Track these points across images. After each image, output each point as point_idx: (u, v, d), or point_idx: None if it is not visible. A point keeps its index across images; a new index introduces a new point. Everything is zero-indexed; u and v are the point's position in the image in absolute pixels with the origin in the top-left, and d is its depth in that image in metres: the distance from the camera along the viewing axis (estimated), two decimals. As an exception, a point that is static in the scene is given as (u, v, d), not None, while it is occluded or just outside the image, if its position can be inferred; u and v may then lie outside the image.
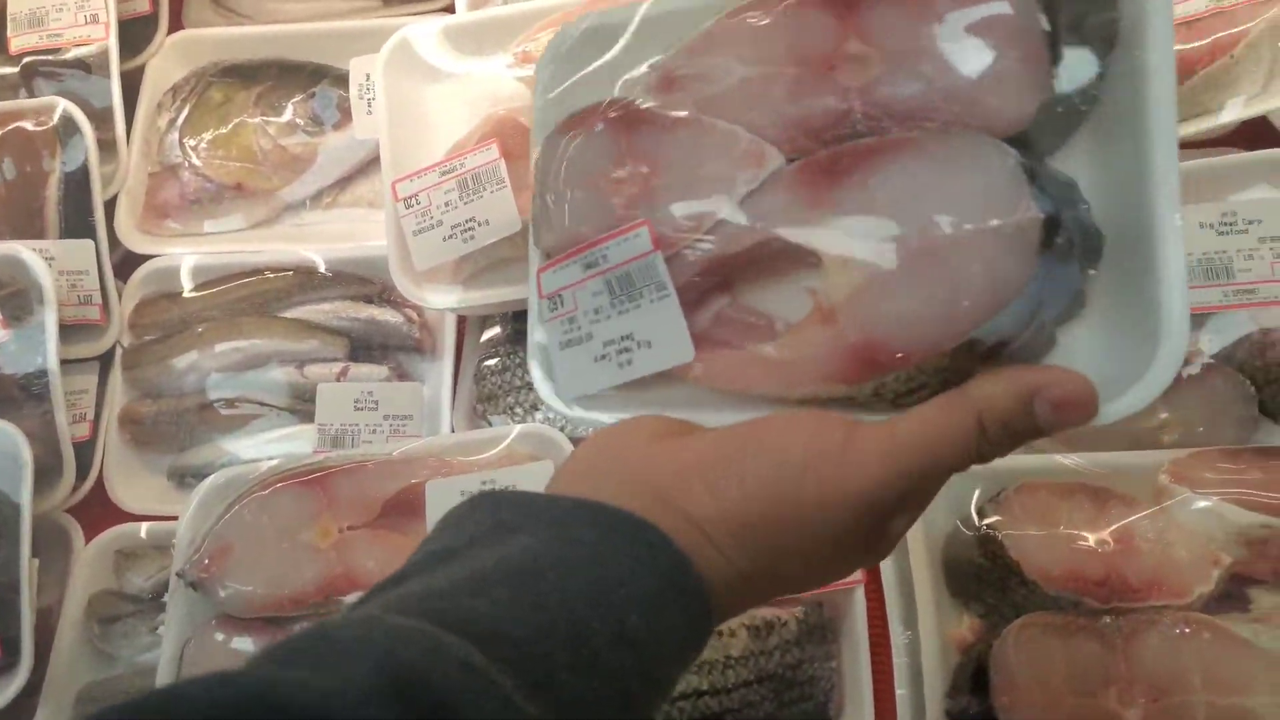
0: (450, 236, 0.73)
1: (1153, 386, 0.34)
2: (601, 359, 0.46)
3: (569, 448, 0.71)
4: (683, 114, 0.44)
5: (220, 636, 0.68)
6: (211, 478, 0.75)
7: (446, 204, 0.73)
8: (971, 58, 0.38)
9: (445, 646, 0.28)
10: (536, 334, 0.48)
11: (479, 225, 0.72)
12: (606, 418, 0.46)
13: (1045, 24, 0.37)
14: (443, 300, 0.75)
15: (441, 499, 0.69)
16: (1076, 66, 0.37)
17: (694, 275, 0.43)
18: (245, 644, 0.67)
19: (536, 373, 0.49)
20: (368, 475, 0.71)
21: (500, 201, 0.72)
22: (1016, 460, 0.66)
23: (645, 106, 0.45)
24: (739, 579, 0.34)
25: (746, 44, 0.43)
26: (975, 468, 0.37)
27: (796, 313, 0.42)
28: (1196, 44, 0.66)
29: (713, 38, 0.44)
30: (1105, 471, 0.63)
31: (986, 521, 0.62)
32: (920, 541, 0.64)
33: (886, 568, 0.69)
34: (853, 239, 0.39)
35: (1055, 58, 0.37)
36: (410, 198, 0.73)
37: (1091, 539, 0.60)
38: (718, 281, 0.44)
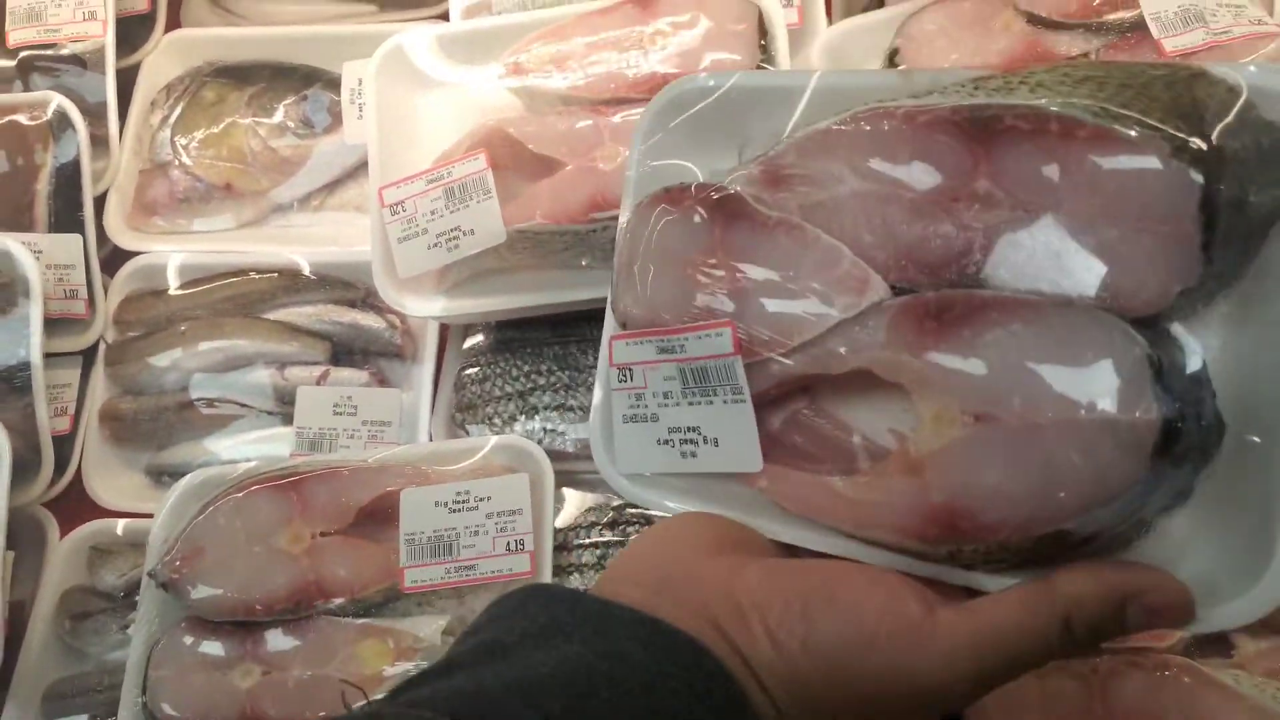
0: (435, 245, 0.72)
1: (1262, 602, 0.31)
2: (665, 443, 0.45)
3: (545, 462, 0.71)
4: (786, 217, 0.41)
5: (189, 639, 0.68)
6: (187, 478, 0.75)
7: (432, 212, 0.72)
8: (1113, 226, 0.34)
9: None
10: (598, 396, 0.47)
11: (464, 235, 0.72)
12: (658, 498, 0.45)
13: (1200, 193, 0.32)
14: (425, 308, 0.74)
15: (416, 508, 0.69)
16: (1231, 254, 0.33)
17: (772, 385, 0.42)
18: (214, 647, 0.67)
19: (596, 436, 0.47)
20: (342, 482, 0.70)
21: (486, 212, 0.71)
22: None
23: (748, 198, 0.42)
24: None
25: (866, 154, 0.39)
26: None
27: (878, 432, 0.39)
28: (1190, 75, 0.65)
29: (830, 139, 0.41)
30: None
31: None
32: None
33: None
34: (952, 395, 0.36)
35: (1208, 241, 0.32)
36: (396, 204, 0.72)
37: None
38: (798, 390, 0.42)
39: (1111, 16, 0.70)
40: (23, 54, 0.91)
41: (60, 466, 0.82)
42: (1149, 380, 0.32)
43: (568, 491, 0.74)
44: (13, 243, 0.82)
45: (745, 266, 0.42)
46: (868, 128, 0.39)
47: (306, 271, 0.84)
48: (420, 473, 0.71)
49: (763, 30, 0.70)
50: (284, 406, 0.82)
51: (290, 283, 0.83)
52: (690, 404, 0.43)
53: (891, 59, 0.76)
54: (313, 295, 0.83)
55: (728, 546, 0.36)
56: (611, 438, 0.46)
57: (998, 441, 0.34)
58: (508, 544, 0.68)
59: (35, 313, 0.81)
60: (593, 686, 0.31)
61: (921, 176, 0.38)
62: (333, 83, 0.87)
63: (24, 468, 0.79)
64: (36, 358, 0.81)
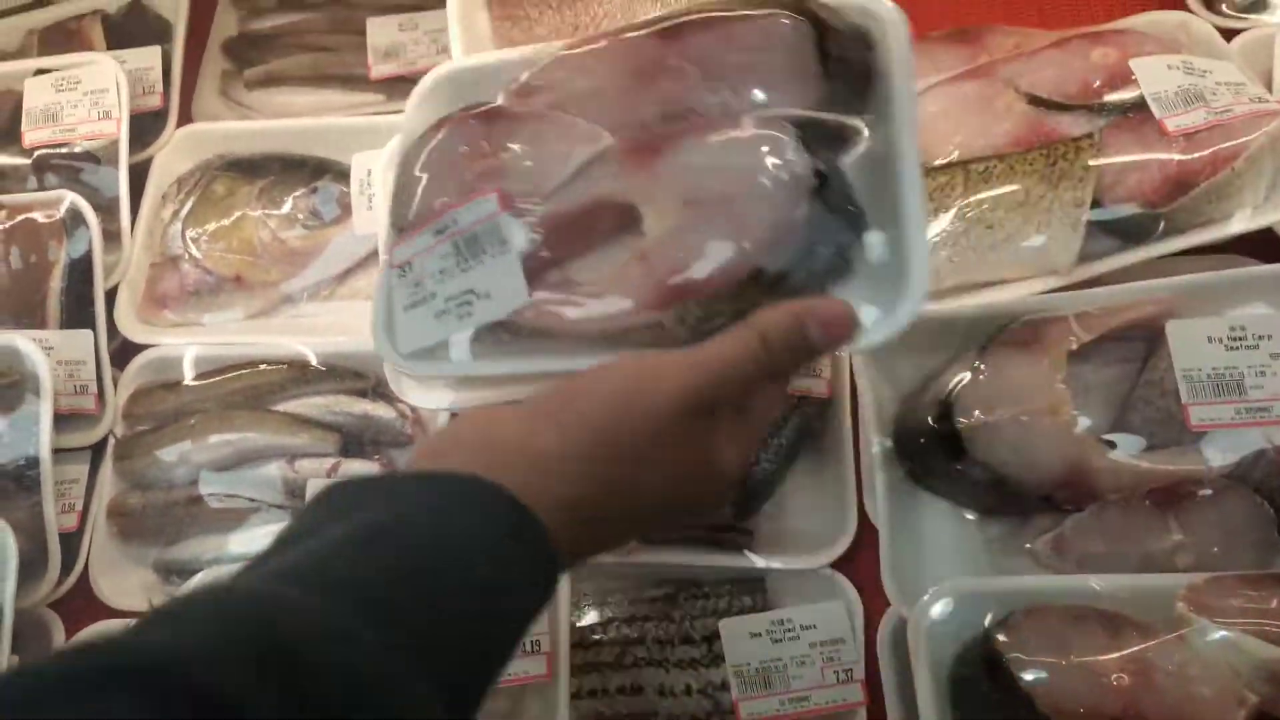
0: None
1: (900, 320, 0.45)
2: (442, 314, 0.54)
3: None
4: (536, 109, 0.54)
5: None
6: (199, 577, 0.73)
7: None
8: (764, 62, 0.51)
9: (285, 596, 0.31)
10: (379, 301, 0.56)
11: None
12: (433, 369, 0.55)
13: (813, 36, 0.50)
14: (435, 400, 0.74)
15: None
16: (842, 85, 0.50)
17: (533, 234, 0.52)
18: None
19: (379, 335, 0.55)
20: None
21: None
22: (1025, 581, 0.64)
23: (506, 106, 0.55)
24: (588, 509, 0.39)
25: (589, 64, 0.55)
26: (982, 588, 0.54)
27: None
28: (1197, 155, 0.66)
29: (561, 61, 0.56)
30: (1117, 594, 0.60)
31: (995, 646, 0.59)
32: (924, 664, 0.61)
33: (890, 690, 0.66)
34: (667, 196, 0.49)
35: (824, 70, 0.50)
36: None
37: (1107, 671, 0.57)
38: (551, 259, 0.52)
39: (1112, 97, 0.71)
40: (38, 153, 0.92)
41: (66, 565, 0.81)
42: (801, 147, 0.46)
43: (586, 588, 0.72)
44: (23, 340, 0.82)
45: (507, 149, 0.54)
46: (587, 47, 0.55)
47: (314, 362, 0.83)
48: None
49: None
50: (294, 500, 0.81)
51: (300, 374, 0.83)
52: (463, 271, 0.53)
53: (896, 141, 0.76)
54: (323, 386, 0.82)
55: (515, 409, 0.43)
56: (393, 327, 0.55)
57: (701, 217, 0.47)
58: (524, 645, 0.66)
59: (45, 410, 0.80)
60: (383, 532, 0.34)
61: (630, 67, 0.53)
62: (342, 174, 0.88)
63: (30, 567, 0.77)
64: (46, 454, 0.80)
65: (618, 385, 0.41)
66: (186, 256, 0.88)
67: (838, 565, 0.71)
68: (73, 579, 0.82)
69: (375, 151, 0.86)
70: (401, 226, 0.56)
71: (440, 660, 0.33)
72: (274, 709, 0.27)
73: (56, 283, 0.86)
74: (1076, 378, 0.65)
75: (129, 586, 0.83)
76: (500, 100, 0.56)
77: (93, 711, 0.26)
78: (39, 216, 0.88)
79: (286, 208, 0.87)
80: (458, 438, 0.42)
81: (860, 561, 0.72)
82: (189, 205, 0.90)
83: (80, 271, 0.87)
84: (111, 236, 0.90)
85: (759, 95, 0.50)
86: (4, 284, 0.87)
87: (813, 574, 0.71)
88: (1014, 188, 0.69)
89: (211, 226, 0.88)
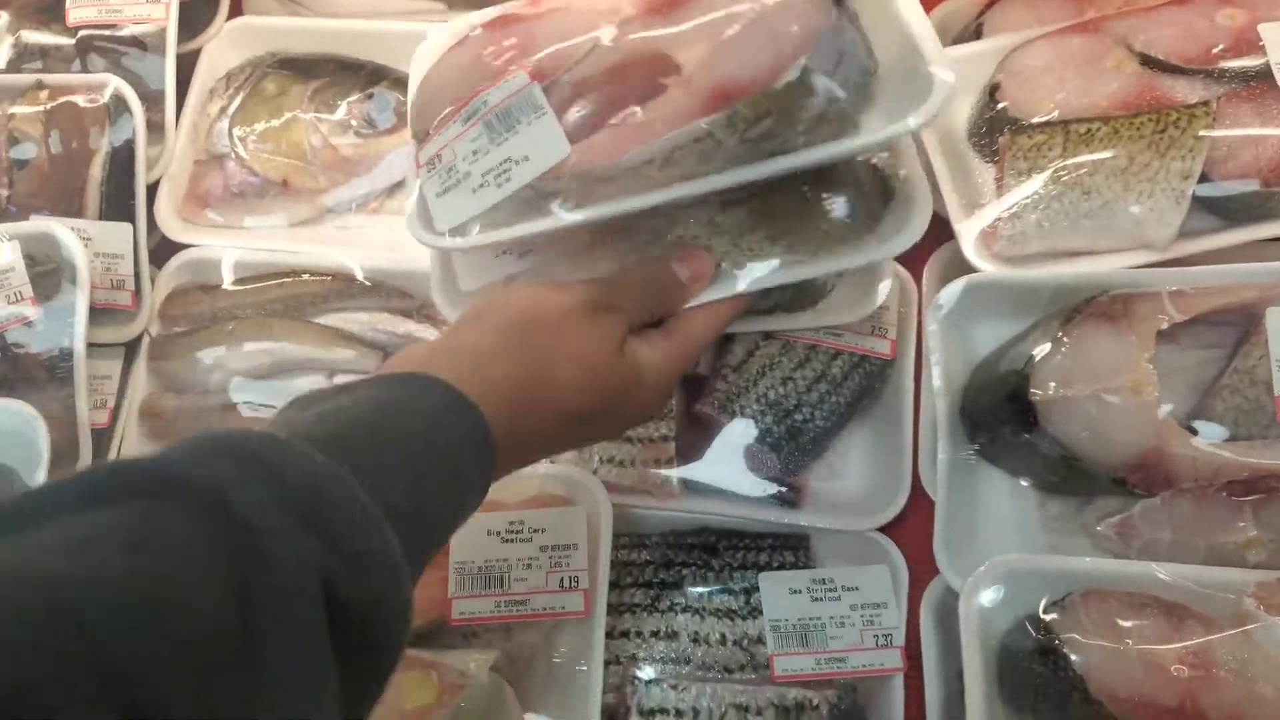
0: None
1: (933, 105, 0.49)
2: (480, 188, 0.54)
3: (603, 496, 0.68)
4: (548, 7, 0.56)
5: None
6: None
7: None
8: None
9: (257, 434, 0.35)
10: (412, 199, 0.57)
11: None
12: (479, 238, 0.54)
13: None
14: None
15: (467, 536, 0.66)
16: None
17: (568, 96, 0.53)
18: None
19: (414, 225, 0.57)
20: (390, 504, 0.67)
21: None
22: (1085, 563, 0.62)
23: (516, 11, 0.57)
24: (513, 391, 0.45)
25: None
26: (1039, 567, 0.56)
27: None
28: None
29: None
30: (1183, 585, 0.58)
31: (1049, 627, 0.58)
32: (975, 638, 0.60)
33: (930, 660, 0.65)
34: (698, 34, 0.51)
35: None
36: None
37: (1166, 661, 0.55)
38: (587, 121, 0.53)
39: (1234, 63, 0.66)
40: (82, 33, 0.88)
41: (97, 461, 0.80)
42: None
43: (621, 528, 0.71)
44: (61, 228, 0.80)
45: (529, 37, 0.55)
46: None
47: (360, 276, 0.80)
48: (471, 498, 0.68)
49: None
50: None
51: (344, 287, 0.80)
52: (498, 145, 0.54)
53: (991, 94, 0.72)
54: (366, 302, 0.80)
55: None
56: (429, 218, 0.56)
57: (737, 36, 0.50)
58: (561, 580, 0.65)
59: (81, 301, 0.78)
60: (339, 406, 0.40)
61: None
62: (399, 82, 0.84)
63: (60, 461, 0.76)
64: (80, 347, 0.78)
65: (525, 295, 0.50)
66: (232, 156, 0.85)
67: (885, 530, 0.70)
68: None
69: (435, 60, 0.82)
70: (422, 139, 0.57)
71: (403, 520, 0.37)
72: (296, 537, 0.31)
73: (97, 171, 0.83)
74: (1164, 358, 0.62)
75: (157, 488, 0.81)
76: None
77: (165, 516, 0.31)
78: (81, 100, 0.84)
79: (340, 113, 0.83)
80: (401, 355, 0.49)
81: (908, 528, 0.70)
82: (237, 102, 0.86)
83: (121, 162, 0.84)
84: (154, 128, 0.86)
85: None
86: (43, 168, 0.84)
87: (859, 536, 0.69)
88: (1116, 153, 0.65)
89: (260, 126, 0.85)
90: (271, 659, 0.29)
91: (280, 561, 0.30)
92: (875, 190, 0.57)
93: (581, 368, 0.48)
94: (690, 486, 0.72)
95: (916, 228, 0.55)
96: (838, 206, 0.56)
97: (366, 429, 0.39)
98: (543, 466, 0.70)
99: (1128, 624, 0.57)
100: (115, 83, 0.84)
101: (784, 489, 0.71)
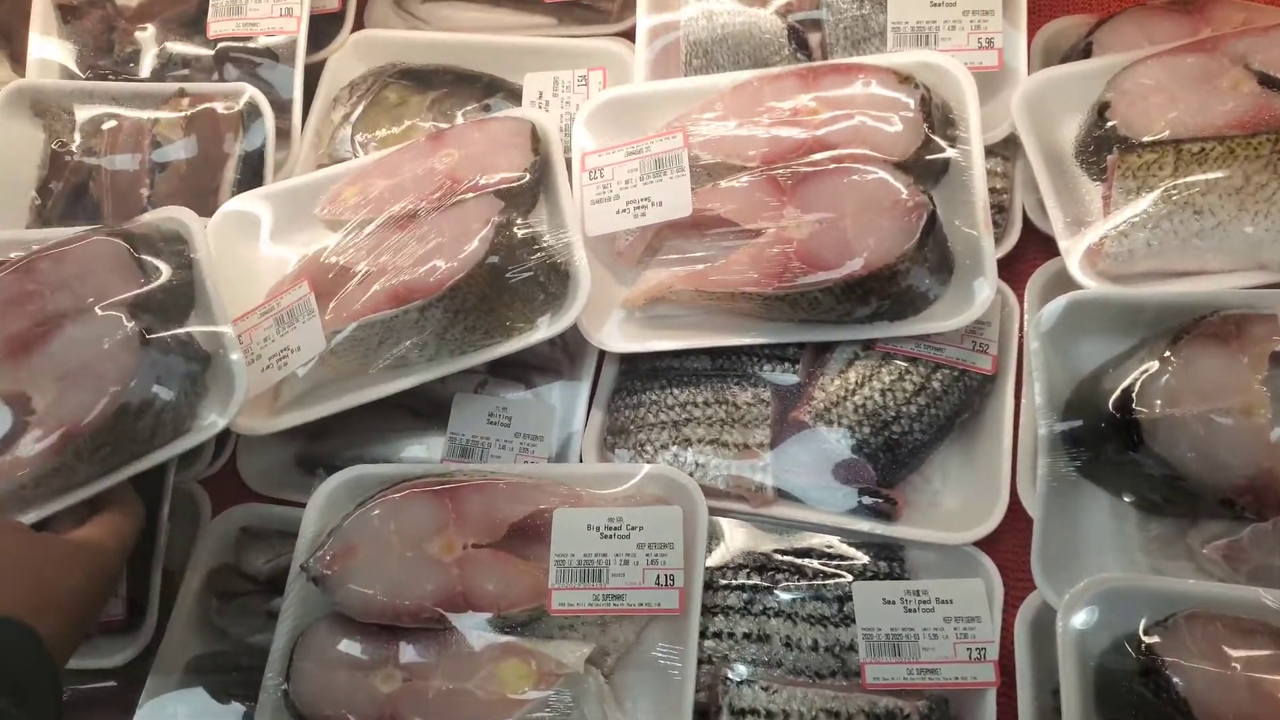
0: (623, 211, 0.78)
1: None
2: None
3: (700, 497, 0.69)
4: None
5: (333, 635, 0.68)
6: (342, 474, 0.76)
7: (627, 181, 0.78)
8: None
9: None
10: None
11: (652, 206, 0.77)
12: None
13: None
14: (619, 344, 0.78)
15: (568, 529, 0.68)
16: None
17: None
18: (357, 647, 0.68)
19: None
20: (498, 495, 0.70)
21: (677, 188, 0.78)
22: (1188, 585, 0.61)
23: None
24: None
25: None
26: (1140, 587, 0.60)
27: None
28: None
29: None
30: (1291, 612, 0.57)
31: (1152, 648, 0.57)
32: (1072, 656, 0.60)
33: (1024, 676, 0.65)
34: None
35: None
36: (596, 170, 0.78)
37: (1276, 690, 0.54)
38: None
39: (1360, 87, 0.65)
40: (220, 45, 0.94)
41: (220, 443, 0.85)
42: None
43: (715, 530, 0.72)
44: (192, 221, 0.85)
45: None
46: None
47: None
48: (573, 493, 0.71)
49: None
50: (435, 410, 0.82)
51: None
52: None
53: (1100, 113, 0.72)
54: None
55: None
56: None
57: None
58: (658, 577, 0.67)
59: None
60: None
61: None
62: (514, 94, 0.88)
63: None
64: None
65: None
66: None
67: (980, 545, 0.70)
68: (224, 458, 0.86)
69: (547, 74, 0.86)
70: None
71: None
72: None
73: (230, 174, 0.89)
74: (1276, 380, 0.61)
75: (271, 472, 0.86)
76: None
77: None
78: (219, 107, 0.90)
79: (457, 123, 0.87)
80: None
81: (1004, 543, 0.70)
82: (359, 110, 0.91)
83: (252, 166, 0.89)
84: (281, 134, 0.92)
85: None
86: (181, 170, 0.90)
87: (954, 549, 0.70)
88: (1231, 173, 0.65)
89: (381, 133, 0.89)
90: None
91: None
92: (552, 277, 0.75)
93: None
94: (785, 494, 0.73)
95: (580, 301, 0.74)
96: (520, 295, 0.74)
97: None
98: (642, 466, 0.72)
99: (1235, 650, 0.57)
100: (250, 91, 0.89)
101: (880, 500, 0.71)
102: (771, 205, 0.74)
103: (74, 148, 0.93)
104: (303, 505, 0.76)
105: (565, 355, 0.83)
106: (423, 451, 0.83)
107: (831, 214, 0.72)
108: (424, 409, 0.83)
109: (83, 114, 0.93)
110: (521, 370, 0.84)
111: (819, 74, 0.78)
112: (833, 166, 0.74)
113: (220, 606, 0.80)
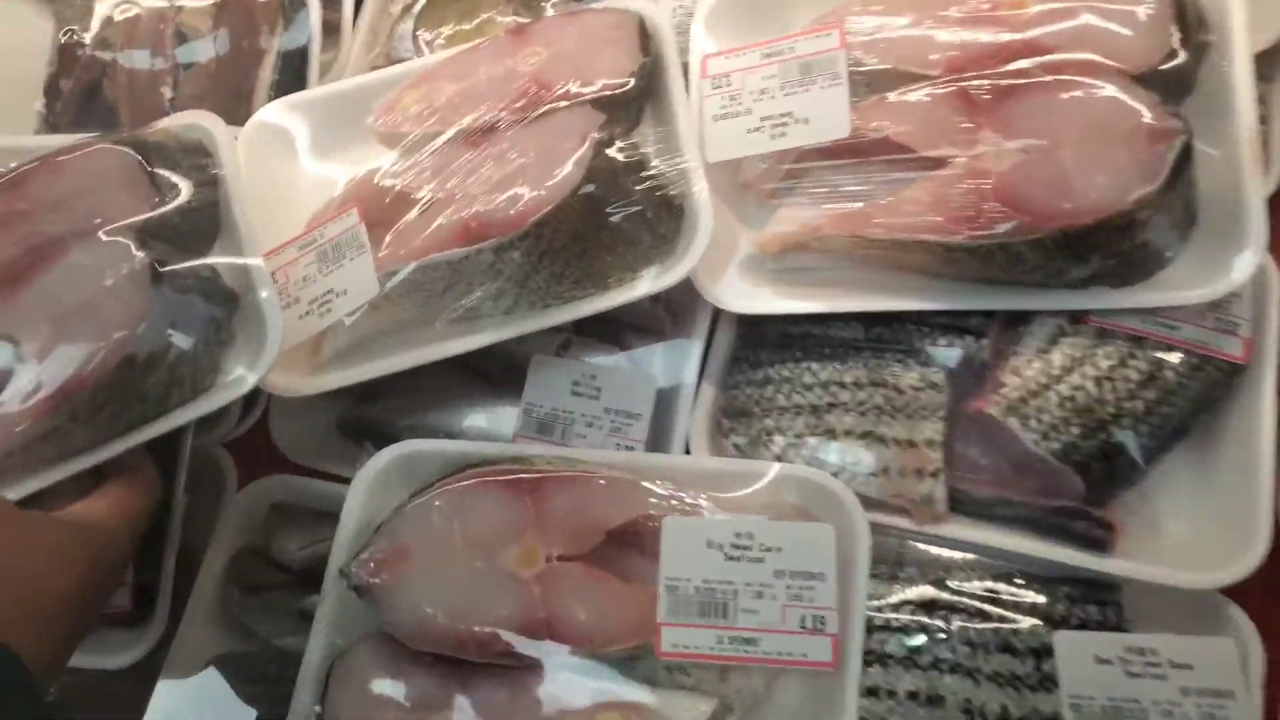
0: (758, 129, 0.61)
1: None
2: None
3: (859, 512, 0.53)
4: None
5: (379, 663, 0.54)
6: (394, 449, 0.61)
7: (763, 91, 0.62)
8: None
9: None
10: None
11: (794, 123, 0.61)
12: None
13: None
14: (744, 303, 0.62)
15: (683, 545, 0.53)
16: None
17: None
18: (409, 682, 0.53)
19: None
20: (591, 492, 0.55)
21: (828, 100, 0.60)
22: None
23: None
24: None
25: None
26: None
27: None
28: None
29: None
30: None
31: None
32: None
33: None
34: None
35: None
36: (721, 76, 0.63)
37: None
38: None
39: None
40: (258, -81, 0.78)
41: (246, 403, 0.71)
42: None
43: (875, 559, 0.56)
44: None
45: None
46: None
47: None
48: (684, 495, 0.55)
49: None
50: (509, 374, 0.67)
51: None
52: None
53: None
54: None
55: None
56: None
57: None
58: (802, 619, 0.51)
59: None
60: None
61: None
62: (616, -20, 0.70)
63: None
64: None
65: None
66: (415, 62, 0.73)
67: (1230, 592, 0.53)
68: (253, 419, 0.72)
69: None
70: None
71: None
72: None
73: (267, 73, 0.74)
74: None
75: (309, 438, 0.72)
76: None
77: None
78: (255, -6, 0.75)
79: (546, 15, 0.71)
80: None
81: (1265, 590, 0.53)
82: (423, 1, 0.74)
83: (294, 66, 0.75)
84: (329, 29, 0.77)
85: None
86: (209, 69, 0.76)
87: (1192, 596, 0.53)
88: None
89: (448, 30, 0.74)
90: None
91: None
92: (662, 215, 0.60)
93: None
94: (961, 508, 0.56)
95: (699, 248, 0.58)
96: (622, 236, 0.59)
97: None
98: (773, 465, 0.56)
99: None
100: (292, -26, 0.74)
101: (1090, 523, 0.54)
102: (961, 127, 0.57)
103: (87, 39, 0.78)
104: (345, 481, 0.62)
105: (668, 312, 0.67)
106: (490, 423, 0.68)
107: (1045, 141, 0.54)
108: (496, 373, 0.68)
109: (98, -3, 0.78)
110: (613, 328, 0.67)
111: (1029, -46, 0.59)
112: (1048, 78, 0.56)
113: (244, 599, 0.67)
